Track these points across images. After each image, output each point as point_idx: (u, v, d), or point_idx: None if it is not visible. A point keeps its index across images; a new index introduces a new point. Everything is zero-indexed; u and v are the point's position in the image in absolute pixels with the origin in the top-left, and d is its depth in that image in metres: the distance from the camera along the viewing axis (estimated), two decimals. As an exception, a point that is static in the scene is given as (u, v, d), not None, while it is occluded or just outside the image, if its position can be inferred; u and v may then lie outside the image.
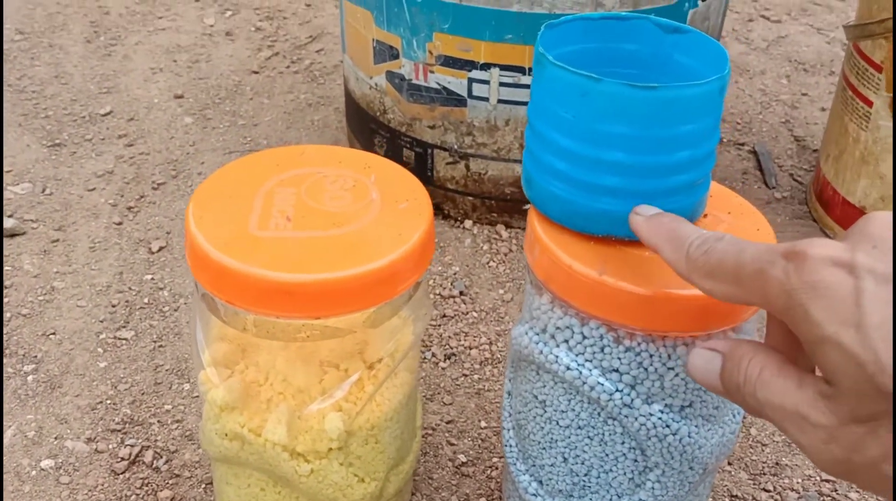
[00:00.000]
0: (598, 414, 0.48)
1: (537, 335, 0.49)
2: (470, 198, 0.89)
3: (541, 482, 0.53)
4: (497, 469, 0.63)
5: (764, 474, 0.63)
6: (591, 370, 0.47)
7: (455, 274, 0.82)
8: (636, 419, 0.46)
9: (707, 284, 0.34)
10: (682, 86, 0.40)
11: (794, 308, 0.28)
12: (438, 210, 0.91)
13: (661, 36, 0.47)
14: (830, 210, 0.90)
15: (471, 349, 0.73)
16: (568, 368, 0.47)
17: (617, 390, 0.46)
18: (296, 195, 0.50)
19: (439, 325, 0.75)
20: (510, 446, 0.55)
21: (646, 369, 0.45)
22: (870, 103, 0.82)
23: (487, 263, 0.84)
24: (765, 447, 0.65)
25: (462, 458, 0.64)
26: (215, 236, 0.46)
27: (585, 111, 0.41)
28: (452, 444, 0.65)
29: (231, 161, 0.53)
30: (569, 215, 0.45)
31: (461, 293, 0.79)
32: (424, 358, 0.72)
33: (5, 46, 1.24)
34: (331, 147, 0.56)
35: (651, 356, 0.45)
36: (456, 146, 0.86)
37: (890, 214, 0.29)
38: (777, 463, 0.64)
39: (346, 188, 0.51)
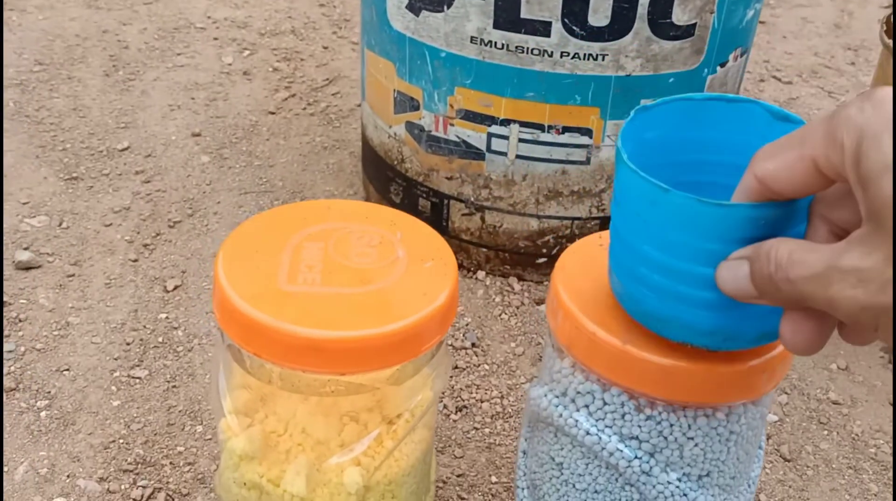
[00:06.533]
0: (616, 480, 0.48)
1: (557, 397, 0.50)
2: (484, 250, 0.90)
3: (554, 544, 0.53)
4: (507, 526, 0.63)
5: (772, 541, 0.63)
6: (610, 437, 0.47)
7: (467, 325, 0.82)
8: (654, 486, 0.47)
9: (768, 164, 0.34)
10: (756, 206, 0.36)
11: (866, 140, 0.28)
12: (451, 260, 0.92)
13: (770, 122, 0.42)
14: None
15: (482, 402, 0.73)
16: (587, 433, 0.48)
17: (636, 457, 0.47)
18: (323, 250, 0.50)
19: (451, 376, 0.76)
20: (524, 505, 0.55)
21: (665, 438, 0.46)
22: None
23: (500, 315, 0.84)
24: (773, 514, 0.65)
25: (472, 514, 0.64)
26: (245, 289, 0.46)
27: (655, 217, 0.39)
28: (463, 498, 0.65)
29: (257, 213, 0.54)
30: (640, 314, 0.43)
31: (473, 345, 0.80)
32: (435, 409, 0.72)
33: (24, 77, 1.25)
34: (356, 202, 0.57)
35: (671, 425, 0.46)
36: (472, 198, 0.87)
37: None
38: (785, 531, 0.64)
39: (373, 245, 0.51)
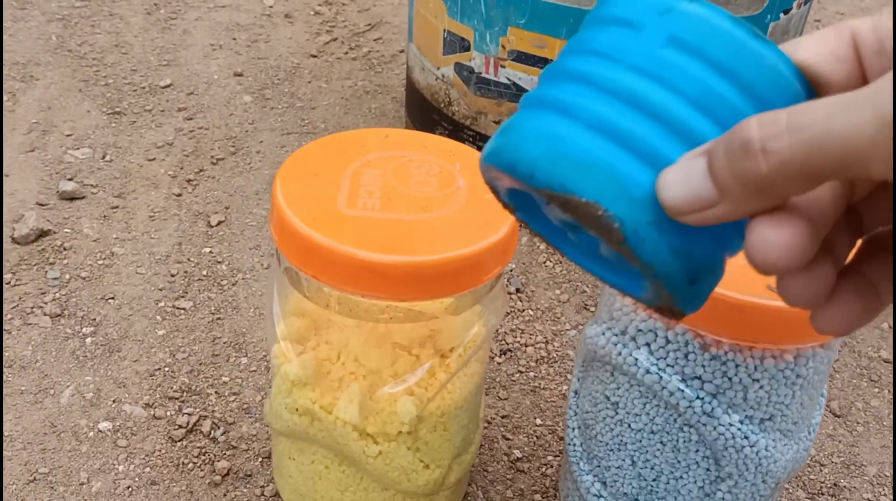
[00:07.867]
0: (675, 420, 0.47)
1: (616, 336, 0.49)
2: (530, 196, 0.88)
3: (605, 483, 0.53)
4: (552, 466, 0.63)
5: (822, 494, 0.62)
6: (671, 376, 0.46)
7: (511, 271, 0.81)
8: (714, 428, 0.46)
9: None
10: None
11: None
12: (496, 206, 0.90)
13: None
14: None
15: (526, 346, 0.73)
16: (648, 371, 0.47)
17: (698, 397, 0.46)
18: (382, 177, 0.49)
19: (495, 320, 0.75)
20: (574, 445, 0.55)
21: (730, 379, 0.45)
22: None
23: (544, 262, 0.83)
24: (823, 467, 0.64)
25: (517, 453, 0.63)
26: (304, 211, 0.46)
27: (656, 29, 0.27)
28: (508, 439, 0.64)
29: (313, 140, 0.53)
30: (543, 157, 0.26)
31: (517, 291, 0.79)
32: (479, 352, 0.72)
33: (66, 12, 1.25)
34: (415, 132, 0.56)
35: (737, 366, 0.45)
36: (520, 143, 0.85)
37: None
38: (835, 485, 0.63)
39: (433, 174, 0.50)
